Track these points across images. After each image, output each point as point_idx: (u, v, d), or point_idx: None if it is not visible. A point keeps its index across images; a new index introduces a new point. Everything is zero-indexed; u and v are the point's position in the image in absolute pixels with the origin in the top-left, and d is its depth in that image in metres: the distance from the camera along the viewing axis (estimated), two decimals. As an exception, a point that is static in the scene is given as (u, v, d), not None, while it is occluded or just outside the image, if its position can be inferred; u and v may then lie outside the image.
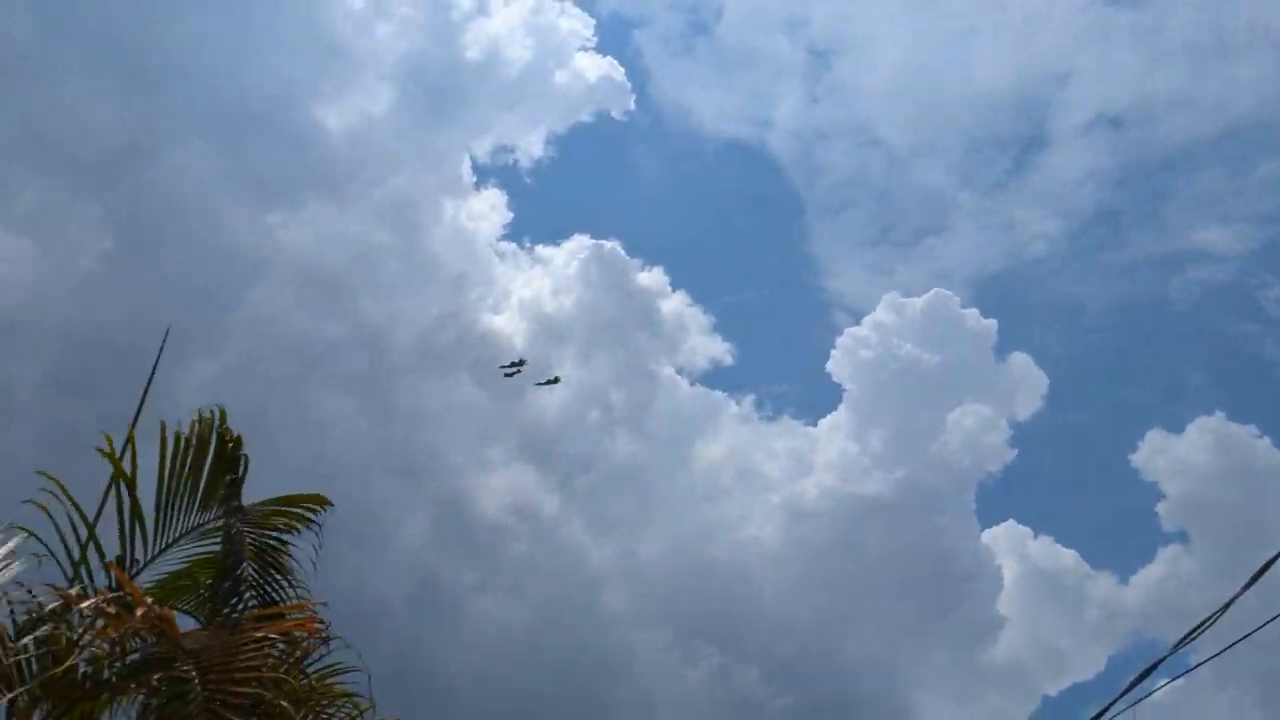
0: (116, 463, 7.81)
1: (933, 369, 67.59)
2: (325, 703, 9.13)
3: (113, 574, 7.97)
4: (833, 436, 66.64)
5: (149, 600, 6.61)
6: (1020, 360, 73.55)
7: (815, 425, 69.78)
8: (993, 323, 70.57)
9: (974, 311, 71.53)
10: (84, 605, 6.93)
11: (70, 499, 7.67)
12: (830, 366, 68.44)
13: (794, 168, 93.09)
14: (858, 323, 72.40)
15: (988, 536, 62.74)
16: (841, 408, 67.54)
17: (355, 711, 9.59)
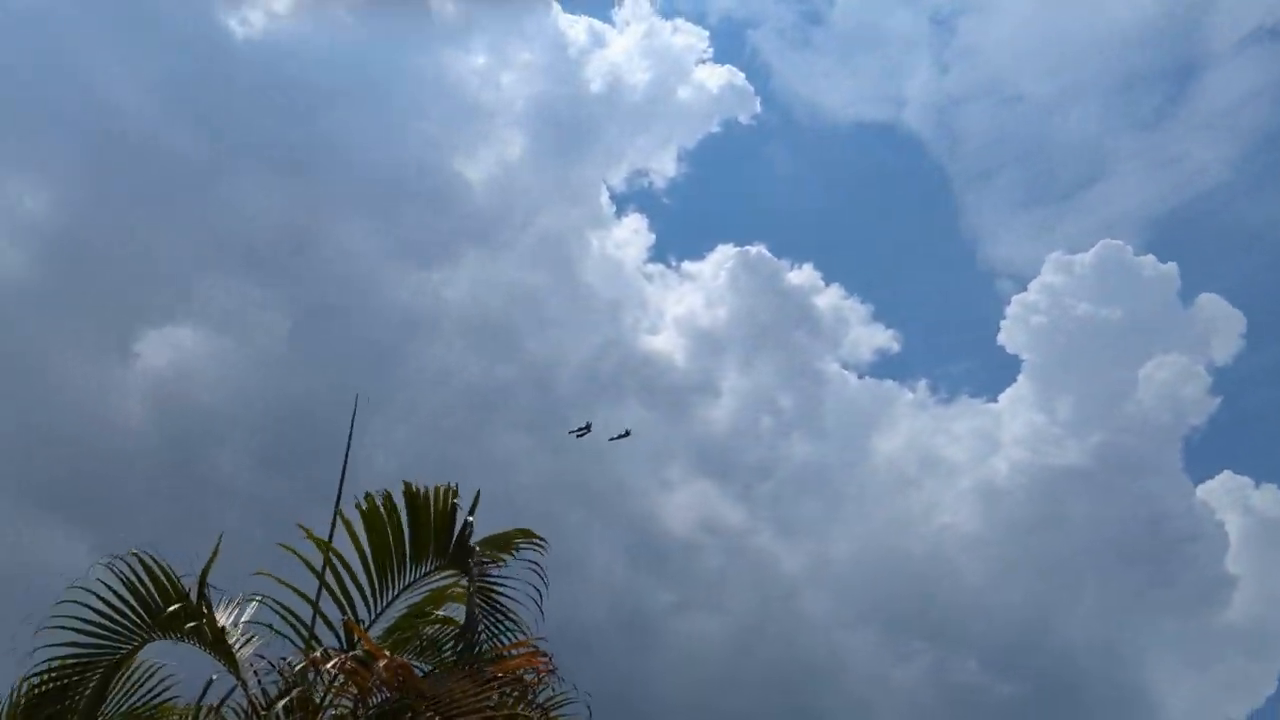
0: (323, 543, 8.31)
1: (1114, 325, 64.32)
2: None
3: (343, 636, 8.40)
4: (1016, 410, 64.20)
5: (386, 653, 6.92)
6: (1210, 301, 69.13)
7: (996, 401, 67.52)
8: (1172, 266, 66.77)
9: (1149, 258, 67.81)
10: (329, 665, 7.30)
11: (307, 563, 8.18)
12: (1002, 338, 66.10)
13: (934, 140, 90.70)
14: (1024, 288, 69.83)
15: (1203, 492, 59.01)
16: (1021, 379, 65.10)
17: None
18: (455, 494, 8.31)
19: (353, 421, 9.17)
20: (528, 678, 7.59)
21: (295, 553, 8.38)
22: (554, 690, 8.38)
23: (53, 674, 8.36)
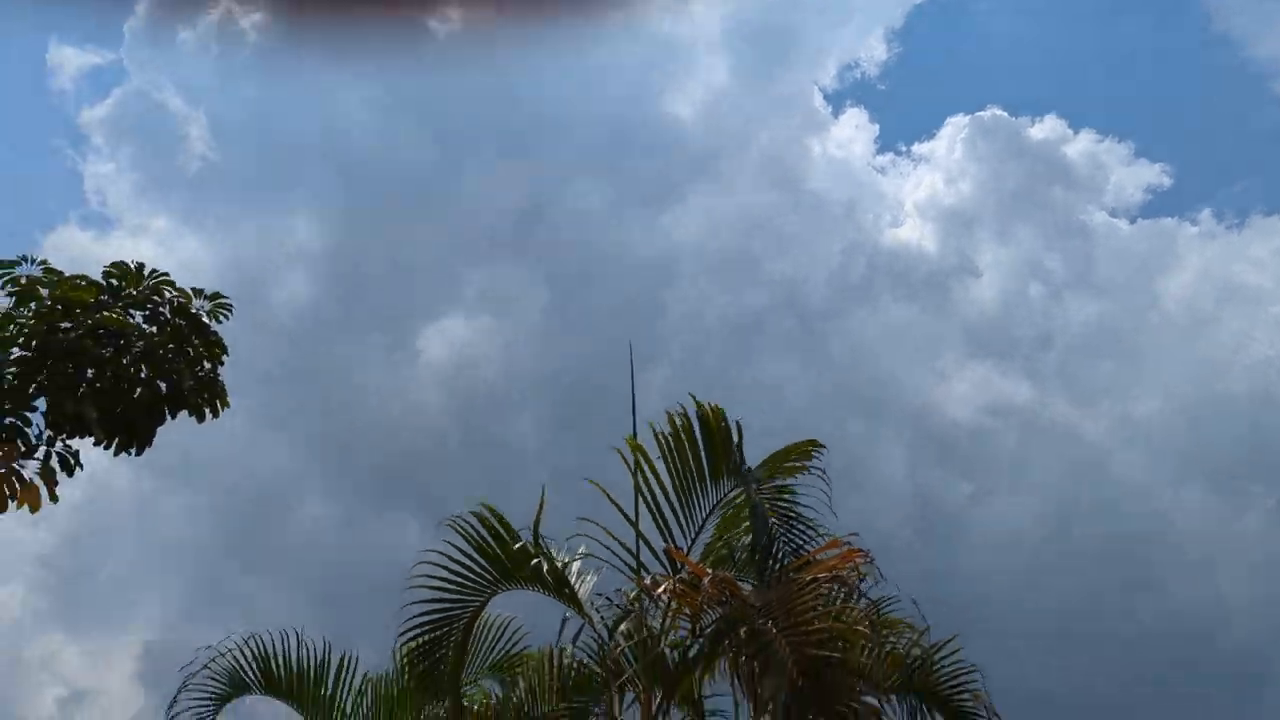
0: (643, 452, 8.70)
1: None
2: (885, 632, 9.41)
3: (667, 563, 8.82)
4: (1321, 215, 56.86)
5: (709, 571, 7.19)
6: None
7: (1294, 212, 60.02)
8: None
9: None
10: (659, 590, 7.68)
11: (616, 505, 8.67)
12: (1288, 143, 58.41)
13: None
14: (1303, 83, 61.19)
15: None
16: (1320, 181, 57.36)
17: (915, 634, 9.79)
18: (721, 412, 8.56)
19: (631, 365, 9.58)
20: (847, 575, 7.63)
21: (604, 491, 8.84)
22: (873, 587, 8.41)
23: (421, 631, 9.29)
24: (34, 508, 11.34)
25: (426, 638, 9.32)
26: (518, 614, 12.93)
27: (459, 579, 9.29)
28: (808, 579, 7.41)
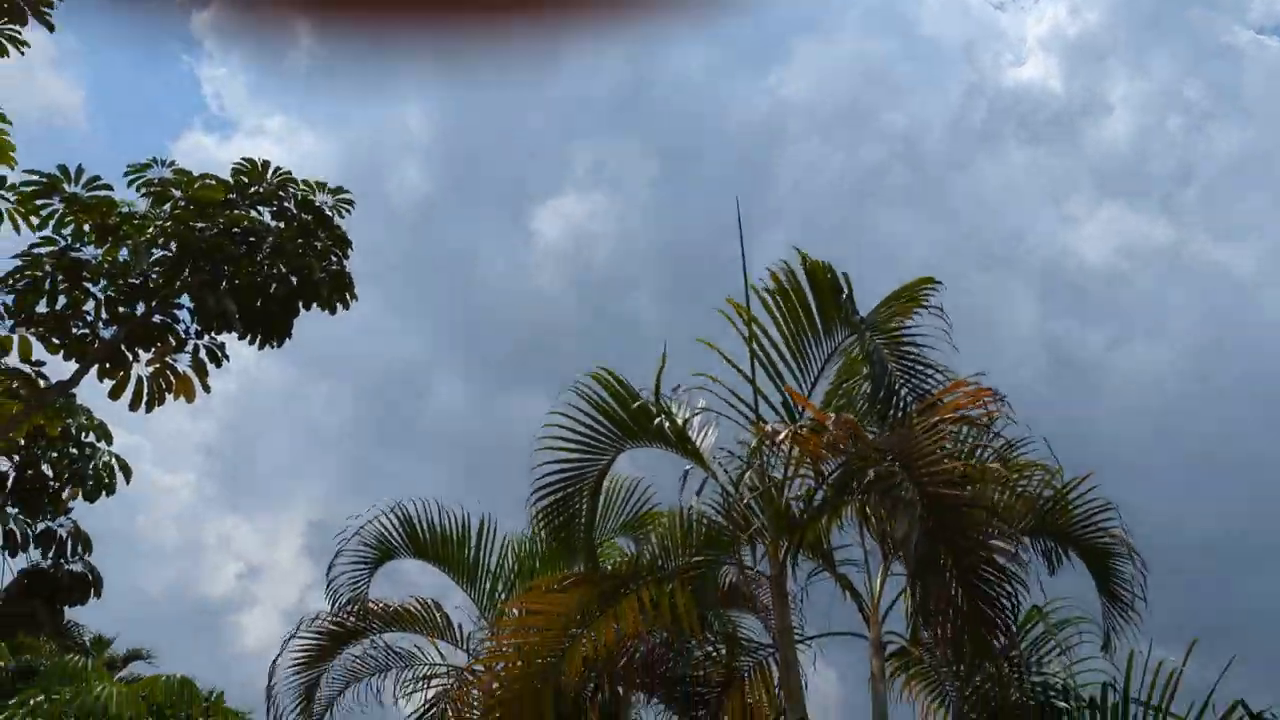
0: (749, 313, 8.68)
1: None
2: (1016, 475, 9.29)
3: (785, 415, 8.84)
4: None
5: (831, 415, 7.18)
6: None
7: None
8: None
9: None
10: (782, 436, 7.73)
11: (730, 362, 8.72)
12: None
13: None
14: None
15: None
16: None
17: (1048, 475, 9.64)
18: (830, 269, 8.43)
19: (740, 226, 9.47)
20: (975, 416, 7.51)
21: (718, 349, 8.90)
22: (1003, 429, 8.27)
23: (551, 491, 9.64)
24: (189, 398, 12.19)
25: (557, 497, 9.66)
26: (644, 474, 13.31)
27: (584, 440, 9.54)
28: (934, 420, 7.30)
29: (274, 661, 12.08)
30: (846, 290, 8.69)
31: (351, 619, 12.17)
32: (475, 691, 10.93)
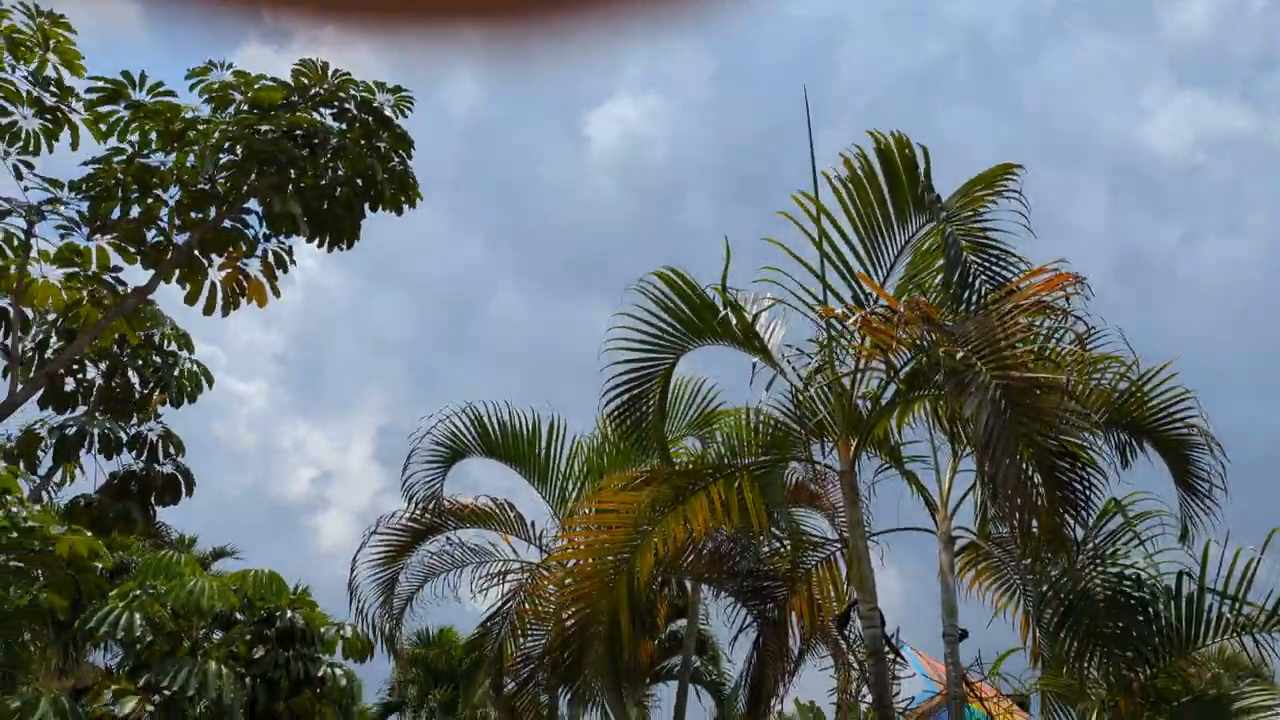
0: (819, 205, 8.49)
1: None
2: (1090, 368, 9.07)
3: (858, 301, 8.67)
4: None
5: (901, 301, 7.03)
6: None
7: None
8: None
9: None
10: (851, 321, 7.60)
11: (798, 259, 8.58)
12: None
13: None
14: None
15: None
16: None
17: (1122, 368, 9.41)
18: (909, 144, 8.10)
19: (807, 110, 9.18)
20: (1053, 303, 7.29)
21: (784, 247, 8.74)
22: (1081, 320, 8.02)
23: (621, 390, 9.68)
24: (261, 302, 12.39)
25: (627, 396, 9.70)
26: (711, 374, 13.29)
27: (651, 339, 9.53)
28: (1010, 307, 7.10)
29: (355, 556, 12.51)
30: (924, 165, 8.38)
31: (427, 516, 12.50)
32: (551, 586, 11.23)
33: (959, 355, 6.73)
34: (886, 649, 8.98)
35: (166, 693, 11.48)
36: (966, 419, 6.74)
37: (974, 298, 7.47)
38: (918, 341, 7.88)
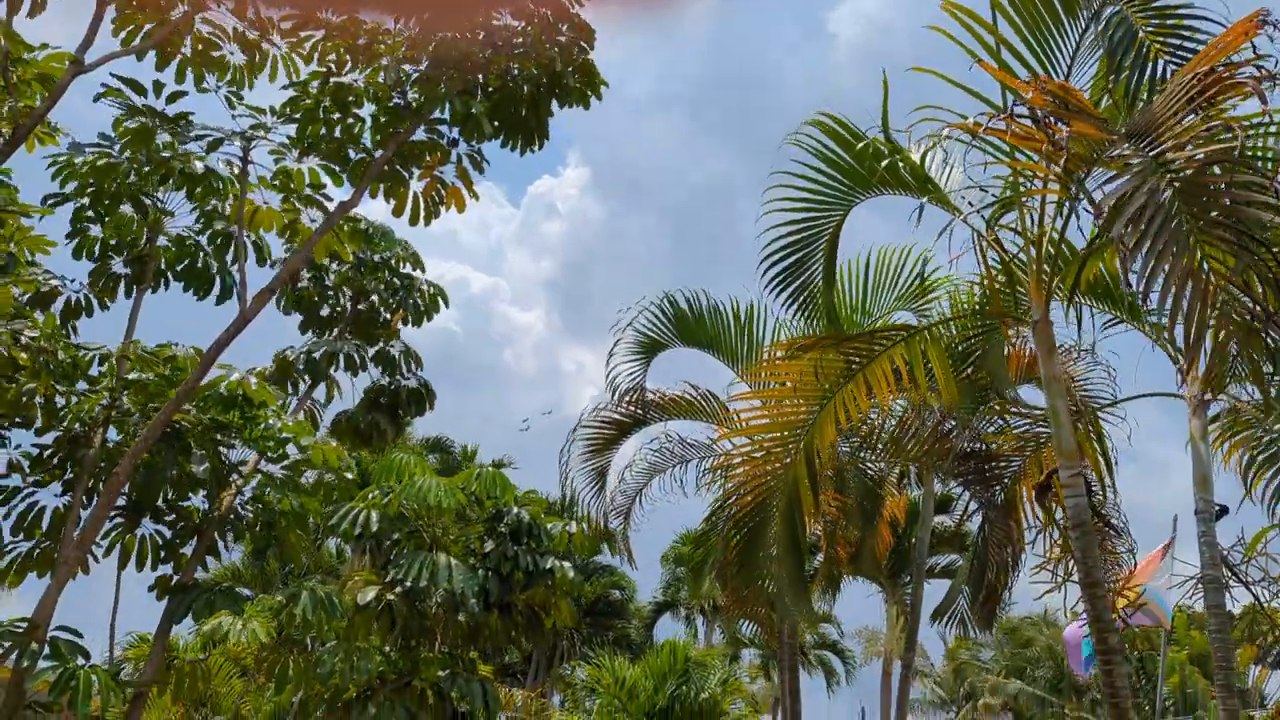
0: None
1: None
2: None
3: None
4: None
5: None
6: None
7: None
8: None
9: None
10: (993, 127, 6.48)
11: (958, 84, 7.48)
12: None
13: None
14: None
15: None
16: None
17: None
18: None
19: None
20: (1245, 80, 5.75)
21: (939, 74, 7.63)
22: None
23: (783, 255, 9.01)
24: (460, 207, 12.71)
25: (790, 260, 9.04)
26: (917, 242, 12.11)
27: (813, 196, 8.79)
28: (1189, 77, 5.66)
29: (564, 448, 12.71)
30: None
31: (631, 408, 12.46)
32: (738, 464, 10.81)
33: (1114, 153, 5.53)
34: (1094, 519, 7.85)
35: (407, 584, 12.28)
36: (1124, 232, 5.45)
37: (1153, 89, 6.13)
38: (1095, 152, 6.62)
